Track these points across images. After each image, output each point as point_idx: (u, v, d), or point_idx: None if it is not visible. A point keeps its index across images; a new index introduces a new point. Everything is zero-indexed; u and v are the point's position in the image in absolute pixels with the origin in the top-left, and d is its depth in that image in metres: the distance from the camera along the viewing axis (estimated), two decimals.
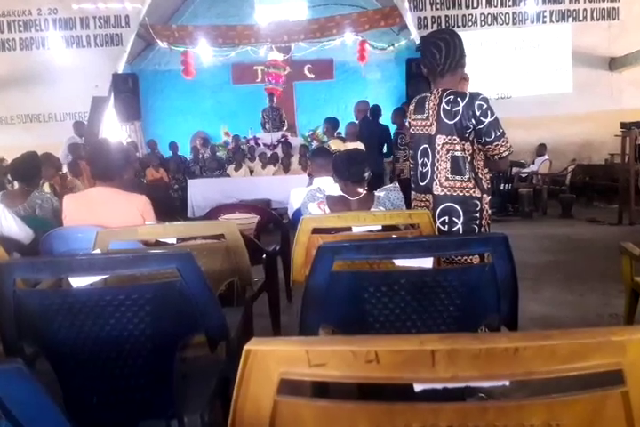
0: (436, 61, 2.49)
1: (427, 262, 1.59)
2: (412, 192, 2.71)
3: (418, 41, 9.43)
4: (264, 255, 3.11)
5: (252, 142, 9.98)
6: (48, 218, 3.31)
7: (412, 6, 9.81)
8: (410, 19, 9.85)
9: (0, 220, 2.84)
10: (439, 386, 0.73)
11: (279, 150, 9.57)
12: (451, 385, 0.73)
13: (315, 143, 9.75)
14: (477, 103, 2.38)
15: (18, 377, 0.78)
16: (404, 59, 9.94)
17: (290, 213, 3.74)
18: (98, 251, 1.94)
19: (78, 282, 1.51)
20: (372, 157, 5.28)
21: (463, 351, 0.72)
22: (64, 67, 9.49)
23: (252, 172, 9.24)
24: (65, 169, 6.51)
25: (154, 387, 1.52)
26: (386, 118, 7.52)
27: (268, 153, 9.55)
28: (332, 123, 6.44)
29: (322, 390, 1.41)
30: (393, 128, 7.20)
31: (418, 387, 0.73)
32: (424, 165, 2.58)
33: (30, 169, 3.58)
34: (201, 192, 7.94)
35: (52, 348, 1.52)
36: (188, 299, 1.53)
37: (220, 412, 1.61)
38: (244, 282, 2.34)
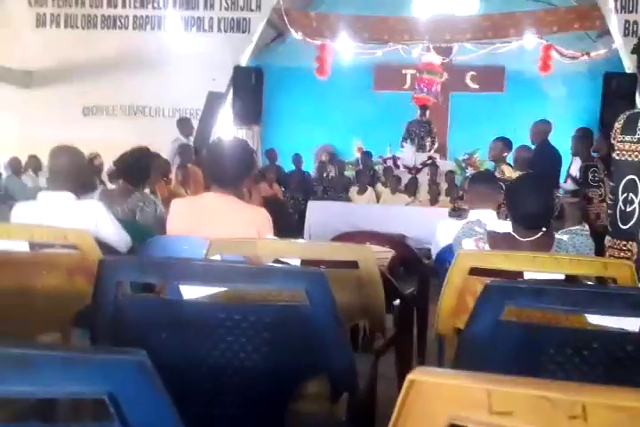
0: None
1: (632, 324, 1.53)
2: (607, 237, 2.61)
3: (621, 50, 9.00)
4: (396, 300, 3.10)
5: (389, 162, 10.13)
6: (149, 225, 3.54)
7: (618, 6, 9.48)
8: (614, 22, 9.53)
9: (96, 220, 2.97)
10: None
11: (422, 175, 9.64)
12: None
13: (470, 170, 9.70)
14: None
15: (139, 372, 0.83)
16: (600, 72, 9.65)
17: (433, 253, 3.71)
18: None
19: (191, 292, 1.59)
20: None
21: None
22: (180, 53, 9.67)
23: (378, 198, 9.35)
24: (172, 174, 6.91)
25: None
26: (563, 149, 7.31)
27: (406, 178, 9.61)
28: (505, 142, 6.43)
29: None
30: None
31: None
32: (629, 202, 2.48)
33: (141, 166, 3.86)
34: (321, 217, 8.13)
35: None
36: (313, 330, 1.54)
37: None
38: (376, 326, 2.32)
